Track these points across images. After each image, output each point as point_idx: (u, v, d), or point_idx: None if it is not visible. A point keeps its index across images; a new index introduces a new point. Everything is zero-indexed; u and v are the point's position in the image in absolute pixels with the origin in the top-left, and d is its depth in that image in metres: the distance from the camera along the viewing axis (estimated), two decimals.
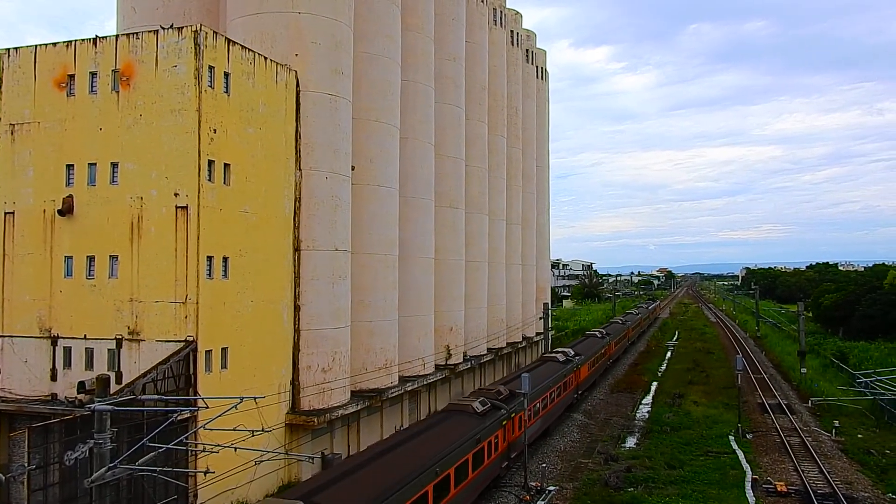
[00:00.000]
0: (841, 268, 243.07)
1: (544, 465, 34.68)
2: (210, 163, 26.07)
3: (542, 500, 30.21)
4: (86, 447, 15.63)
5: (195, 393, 24.55)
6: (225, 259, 26.82)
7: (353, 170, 34.32)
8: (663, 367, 73.95)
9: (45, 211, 27.48)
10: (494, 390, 34.00)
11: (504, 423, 31.05)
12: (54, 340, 26.99)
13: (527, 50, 68.35)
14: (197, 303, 25.20)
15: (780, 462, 36.25)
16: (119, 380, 25.16)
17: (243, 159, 27.95)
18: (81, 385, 24.83)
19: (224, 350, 26.59)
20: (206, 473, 17.42)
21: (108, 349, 26.06)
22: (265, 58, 29.53)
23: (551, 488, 31.62)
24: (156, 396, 21.03)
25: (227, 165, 26.98)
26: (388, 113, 37.65)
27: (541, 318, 67.90)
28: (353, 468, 21.11)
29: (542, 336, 68.77)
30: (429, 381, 42.40)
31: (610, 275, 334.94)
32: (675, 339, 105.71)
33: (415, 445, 24.26)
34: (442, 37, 45.66)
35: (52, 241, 27.35)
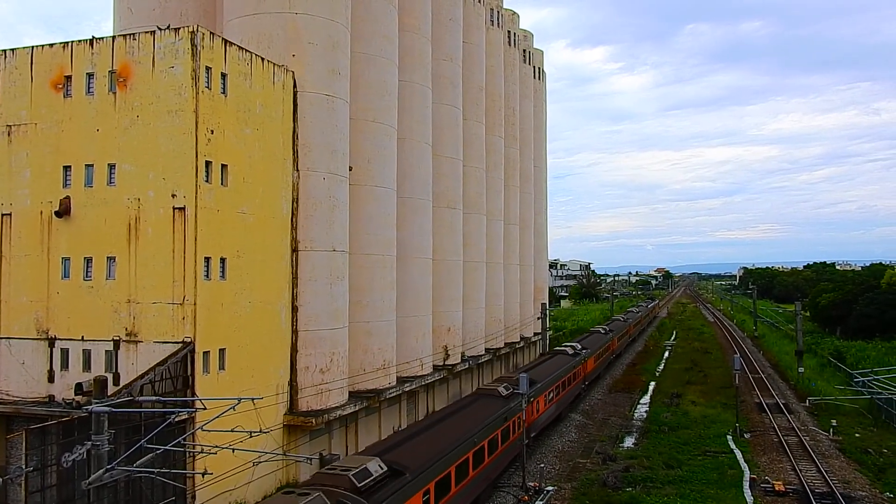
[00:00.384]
0: (838, 267, 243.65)
1: (542, 465, 34.70)
2: (207, 164, 26.02)
3: (541, 500, 30.22)
4: (83, 449, 15.61)
5: (193, 394, 24.50)
6: (222, 260, 26.79)
7: (350, 170, 34.34)
8: (661, 367, 74.01)
9: (42, 212, 27.41)
10: (514, 378, 36.22)
11: (524, 406, 33.38)
12: (51, 342, 26.94)
13: (524, 50, 68.43)
14: (194, 304, 25.16)
15: (777, 461, 36.29)
16: (117, 381, 25.10)
17: (241, 160, 27.92)
18: (79, 386, 24.77)
19: (222, 351, 26.55)
20: (204, 475, 17.36)
21: (106, 350, 25.99)
22: (262, 58, 29.51)
23: (549, 488, 31.64)
24: (153, 398, 20.96)
25: (224, 166, 26.95)
26: (386, 113, 37.65)
27: (538, 319, 67.94)
28: (410, 435, 25.27)
29: (539, 336, 68.85)
30: (427, 382, 42.42)
31: (608, 275, 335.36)
32: (673, 338, 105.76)
33: (454, 421, 28.34)
34: (439, 37, 45.67)
35: (49, 243, 27.29)
